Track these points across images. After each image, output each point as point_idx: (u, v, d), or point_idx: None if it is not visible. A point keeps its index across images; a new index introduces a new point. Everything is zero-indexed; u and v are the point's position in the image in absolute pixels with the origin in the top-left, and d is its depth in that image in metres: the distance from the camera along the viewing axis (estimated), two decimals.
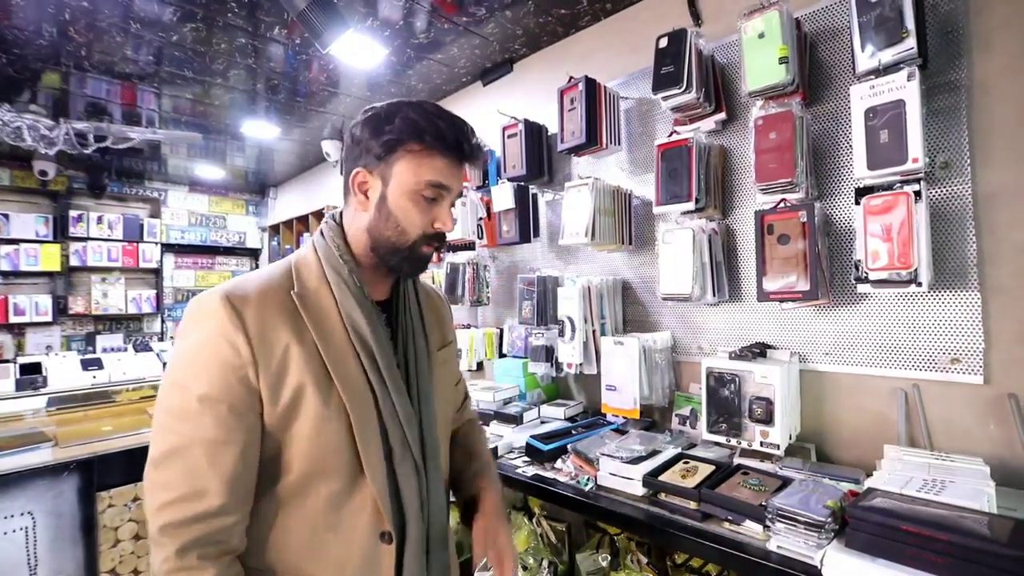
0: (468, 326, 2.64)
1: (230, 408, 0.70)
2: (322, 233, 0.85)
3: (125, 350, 3.63)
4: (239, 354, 0.71)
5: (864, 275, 1.29)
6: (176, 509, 0.68)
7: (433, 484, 0.85)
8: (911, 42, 1.23)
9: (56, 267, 4.48)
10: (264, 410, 0.73)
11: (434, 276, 2.81)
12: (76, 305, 4.63)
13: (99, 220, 4.73)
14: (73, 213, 4.61)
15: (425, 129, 0.79)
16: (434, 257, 0.82)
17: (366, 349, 0.79)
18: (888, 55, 1.26)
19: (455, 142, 0.81)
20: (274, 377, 0.72)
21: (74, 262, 4.61)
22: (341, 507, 0.76)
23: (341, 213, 0.89)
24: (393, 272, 0.87)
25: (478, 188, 2.57)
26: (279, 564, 0.76)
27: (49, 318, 4.44)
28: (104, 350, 4.53)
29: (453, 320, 1.09)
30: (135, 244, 4.91)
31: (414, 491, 0.80)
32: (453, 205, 0.87)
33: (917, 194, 1.22)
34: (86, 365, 2.95)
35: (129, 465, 2.02)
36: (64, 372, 2.86)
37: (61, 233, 4.54)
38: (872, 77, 1.29)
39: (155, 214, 5.15)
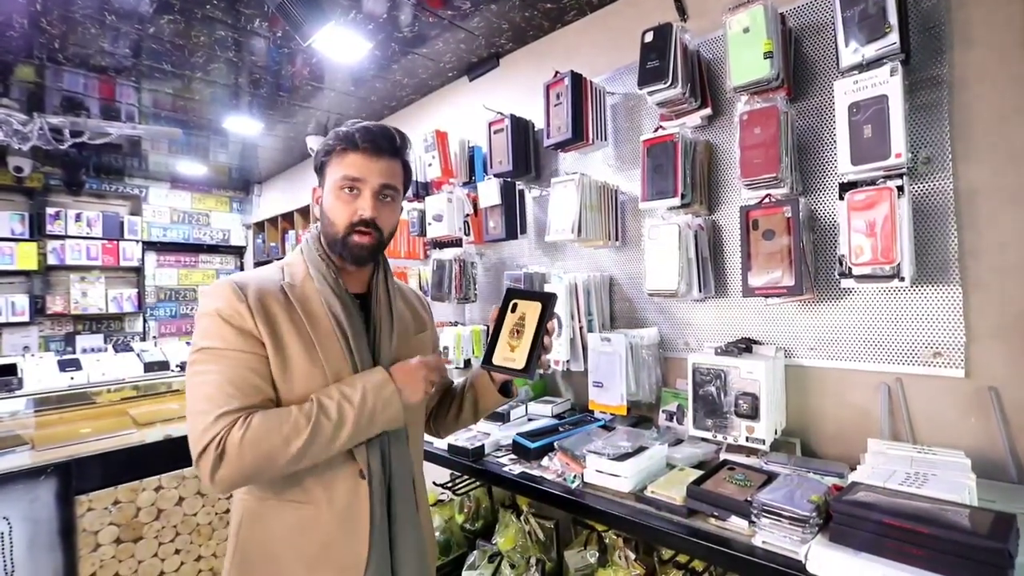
0: (455, 323, 2.62)
1: (240, 351, 0.89)
2: (307, 240, 1.05)
3: (105, 350, 3.56)
4: (243, 316, 0.90)
5: (848, 270, 1.29)
6: (211, 416, 0.84)
7: (393, 438, 1.01)
8: (894, 37, 1.23)
9: (33, 266, 4.38)
10: (267, 355, 0.90)
11: (420, 273, 2.79)
12: (54, 305, 4.53)
13: (77, 218, 4.63)
14: (50, 211, 4.50)
15: (338, 135, 0.98)
16: (364, 240, 0.99)
17: (340, 327, 0.97)
18: (871, 50, 1.26)
19: (362, 139, 0.96)
20: (271, 338, 0.91)
21: (52, 261, 4.51)
22: None
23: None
24: (350, 264, 1.01)
25: (464, 184, 2.55)
26: (280, 493, 0.94)
27: (26, 318, 4.34)
28: (84, 350, 4.44)
29: (431, 313, 1.25)
30: (115, 242, 4.81)
31: (376, 443, 0.98)
32: (387, 197, 1.00)
33: (900, 189, 1.23)
34: (63, 366, 2.89)
35: (109, 468, 1.96)
36: (40, 373, 2.79)
37: (38, 231, 4.43)
38: (855, 72, 1.29)
39: (136, 211, 5.05)
